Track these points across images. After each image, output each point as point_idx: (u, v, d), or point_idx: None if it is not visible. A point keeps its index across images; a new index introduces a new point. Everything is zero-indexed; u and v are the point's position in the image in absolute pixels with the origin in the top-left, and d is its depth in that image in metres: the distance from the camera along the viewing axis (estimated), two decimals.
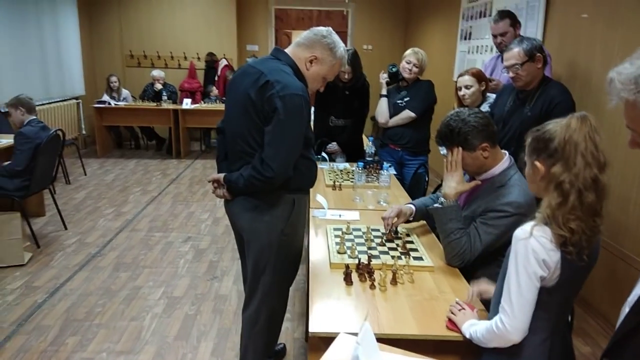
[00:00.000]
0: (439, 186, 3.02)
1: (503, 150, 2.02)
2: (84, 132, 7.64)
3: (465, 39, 5.64)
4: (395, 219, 2.19)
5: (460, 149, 1.92)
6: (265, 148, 1.88)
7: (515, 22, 3.21)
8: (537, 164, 1.32)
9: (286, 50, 2.03)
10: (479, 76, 3.04)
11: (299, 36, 2.06)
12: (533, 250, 1.27)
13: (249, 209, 2.01)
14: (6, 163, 3.81)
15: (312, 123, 3.98)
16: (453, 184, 1.95)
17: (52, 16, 6.80)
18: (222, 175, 2.04)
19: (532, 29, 3.94)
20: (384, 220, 2.19)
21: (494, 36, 3.28)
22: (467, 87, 3.03)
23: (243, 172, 1.94)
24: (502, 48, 3.13)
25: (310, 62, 1.99)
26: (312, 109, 3.99)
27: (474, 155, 1.92)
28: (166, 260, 3.76)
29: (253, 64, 2.00)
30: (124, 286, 3.33)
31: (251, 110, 1.90)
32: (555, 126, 1.31)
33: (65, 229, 4.33)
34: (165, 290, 3.30)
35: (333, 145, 3.73)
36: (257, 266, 2.06)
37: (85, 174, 6.25)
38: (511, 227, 1.36)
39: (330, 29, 2.03)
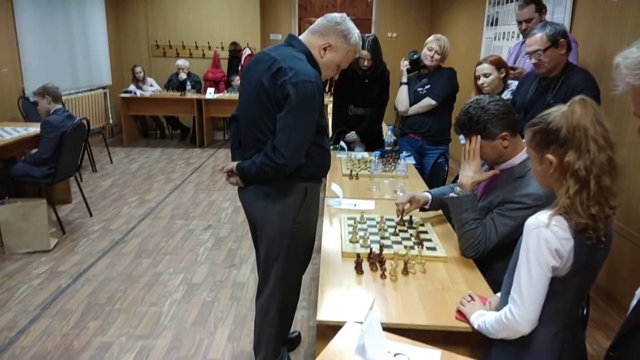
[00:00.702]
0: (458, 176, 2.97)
1: (524, 140, 1.96)
2: (111, 121, 7.80)
3: (491, 25, 5.51)
4: (408, 205, 2.17)
5: (479, 137, 1.88)
6: (277, 135, 1.87)
7: (540, 8, 3.12)
8: (549, 156, 1.29)
9: (300, 38, 2.01)
10: (497, 63, 2.95)
11: (313, 23, 2.03)
12: (546, 240, 1.24)
13: (261, 197, 2.01)
14: (33, 151, 3.92)
15: (329, 112, 3.98)
16: (470, 173, 1.91)
17: (79, 7, 6.93)
18: (234, 164, 2.05)
19: (559, 14, 3.81)
20: (396, 206, 2.19)
21: (519, 22, 3.20)
22: (485, 75, 2.94)
23: (255, 159, 1.94)
24: (527, 34, 3.04)
25: (324, 49, 1.97)
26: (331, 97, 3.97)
27: (493, 144, 1.88)
28: (187, 248, 3.82)
29: (267, 51, 1.99)
30: (145, 272, 3.40)
31: (264, 98, 1.89)
32: (556, 115, 1.27)
33: (91, 215, 4.43)
34: (184, 276, 3.35)
35: (352, 135, 3.69)
36: (269, 254, 2.06)
37: (112, 162, 6.38)
38: None
39: (345, 15, 2.00)
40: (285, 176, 1.94)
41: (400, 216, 2.19)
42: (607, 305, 3.00)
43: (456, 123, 1.98)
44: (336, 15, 1.99)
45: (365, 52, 3.30)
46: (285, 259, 2.05)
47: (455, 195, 1.92)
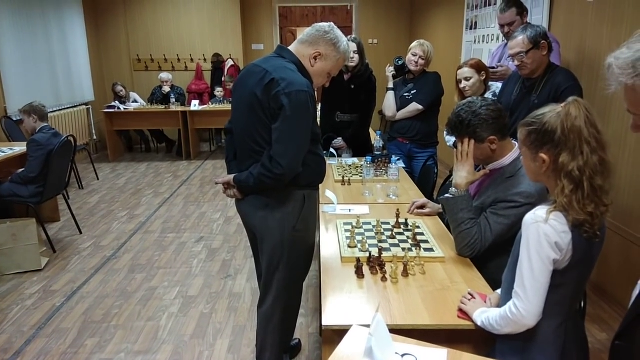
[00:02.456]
0: (448, 177, 3.02)
1: (514, 141, 2.01)
2: (95, 137, 7.73)
3: (471, 28, 5.61)
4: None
5: (472, 140, 1.92)
6: (273, 145, 1.89)
7: (522, 11, 3.17)
8: (543, 155, 1.33)
9: (290, 48, 2.04)
10: (477, 67, 3.02)
11: (302, 33, 2.06)
12: (545, 234, 1.27)
13: (260, 207, 2.03)
14: (20, 170, 3.87)
15: (317, 119, 4.01)
16: (464, 174, 1.95)
17: (59, 24, 6.89)
18: (231, 176, 2.06)
19: (537, 15, 3.91)
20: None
21: (501, 26, 3.25)
22: (466, 79, 3.01)
23: (252, 170, 1.96)
24: (509, 37, 3.10)
25: (315, 58, 2.00)
26: (319, 105, 4.00)
27: (482, 147, 1.92)
28: (180, 261, 3.80)
29: (258, 62, 2.02)
30: (140, 287, 3.37)
31: (258, 109, 1.92)
32: (552, 116, 1.32)
33: (80, 233, 4.39)
34: (180, 290, 3.34)
35: (338, 141, 3.72)
36: (271, 263, 2.08)
37: (98, 179, 6.32)
38: (522, 217, 1.36)
39: (333, 24, 2.04)
40: (283, 185, 1.96)
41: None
42: (599, 298, 3.07)
43: (448, 124, 2.01)
44: (324, 25, 2.03)
45: (352, 45, 3.32)
46: (287, 267, 2.07)
47: (451, 196, 1.95)
